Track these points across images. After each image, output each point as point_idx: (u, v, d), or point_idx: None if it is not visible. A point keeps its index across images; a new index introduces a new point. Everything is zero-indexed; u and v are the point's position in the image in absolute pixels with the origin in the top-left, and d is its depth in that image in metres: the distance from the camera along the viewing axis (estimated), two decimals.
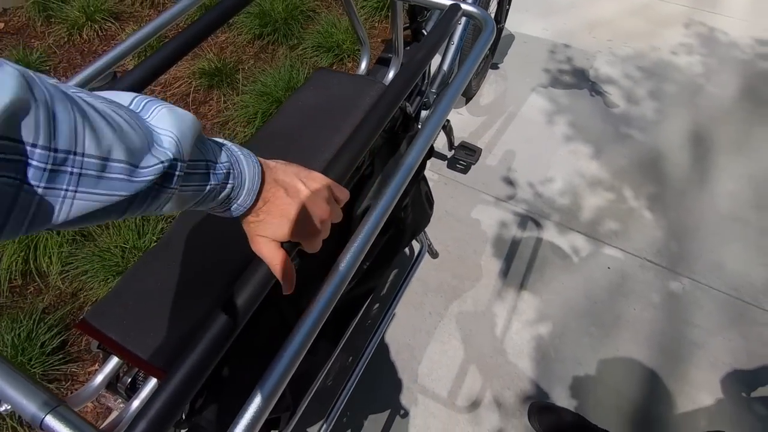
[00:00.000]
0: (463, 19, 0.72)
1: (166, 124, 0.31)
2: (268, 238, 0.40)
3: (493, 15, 1.78)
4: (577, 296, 1.46)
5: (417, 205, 0.93)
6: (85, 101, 0.26)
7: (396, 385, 1.30)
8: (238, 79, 2.08)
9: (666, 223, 1.64)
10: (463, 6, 0.70)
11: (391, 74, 1.04)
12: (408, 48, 1.41)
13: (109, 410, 0.63)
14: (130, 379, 0.60)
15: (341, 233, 0.69)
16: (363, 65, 1.05)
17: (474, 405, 1.27)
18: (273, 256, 0.41)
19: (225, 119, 1.94)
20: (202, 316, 0.55)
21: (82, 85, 0.60)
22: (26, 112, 0.23)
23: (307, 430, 1.20)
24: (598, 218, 1.66)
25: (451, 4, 0.69)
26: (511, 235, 1.61)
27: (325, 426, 1.02)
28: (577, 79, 2.12)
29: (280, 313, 0.63)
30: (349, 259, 0.48)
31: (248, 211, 0.39)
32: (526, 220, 1.65)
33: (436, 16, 1.49)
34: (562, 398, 1.28)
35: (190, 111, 0.37)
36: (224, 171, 0.35)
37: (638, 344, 1.37)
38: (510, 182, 1.76)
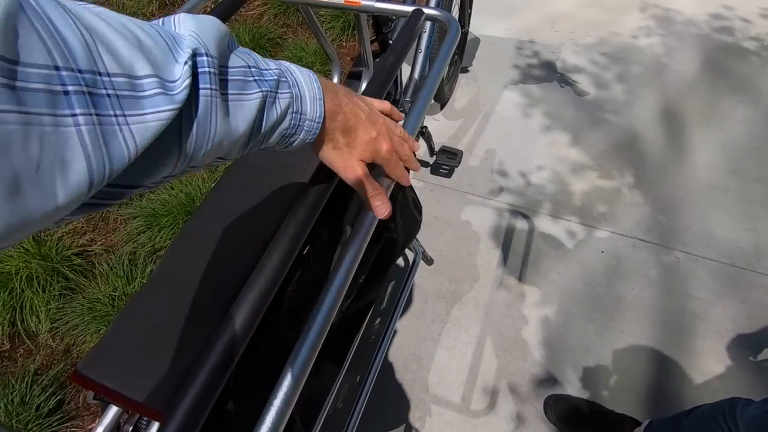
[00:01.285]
0: (428, 24, 0.73)
1: (187, 25, 0.29)
2: (358, 159, 0.41)
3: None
4: (576, 283, 1.46)
5: (405, 210, 0.93)
6: (92, 13, 0.23)
7: (408, 398, 1.28)
8: None
9: (651, 200, 1.66)
10: (426, 10, 0.71)
11: (363, 86, 1.04)
12: (377, 60, 1.43)
13: None
14: (131, 428, 0.57)
15: (333, 246, 0.68)
16: (335, 81, 1.05)
17: (489, 406, 1.25)
18: (366, 177, 0.42)
19: None
20: (198, 351, 0.53)
21: None
22: (26, 29, 0.19)
23: None
24: (585, 204, 1.67)
25: (414, 10, 0.70)
26: (502, 232, 1.61)
27: None
28: (546, 72, 2.16)
29: (281, 337, 0.61)
30: (342, 272, 0.46)
31: (322, 135, 0.39)
32: (516, 214, 1.66)
33: (401, 24, 1.52)
34: (575, 387, 1.26)
35: None
36: (274, 78, 0.33)
37: (642, 323, 1.37)
38: (494, 180, 1.77)
